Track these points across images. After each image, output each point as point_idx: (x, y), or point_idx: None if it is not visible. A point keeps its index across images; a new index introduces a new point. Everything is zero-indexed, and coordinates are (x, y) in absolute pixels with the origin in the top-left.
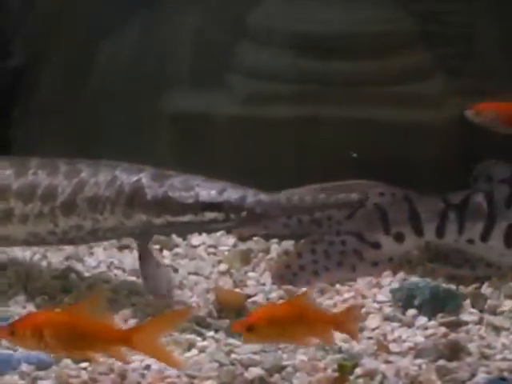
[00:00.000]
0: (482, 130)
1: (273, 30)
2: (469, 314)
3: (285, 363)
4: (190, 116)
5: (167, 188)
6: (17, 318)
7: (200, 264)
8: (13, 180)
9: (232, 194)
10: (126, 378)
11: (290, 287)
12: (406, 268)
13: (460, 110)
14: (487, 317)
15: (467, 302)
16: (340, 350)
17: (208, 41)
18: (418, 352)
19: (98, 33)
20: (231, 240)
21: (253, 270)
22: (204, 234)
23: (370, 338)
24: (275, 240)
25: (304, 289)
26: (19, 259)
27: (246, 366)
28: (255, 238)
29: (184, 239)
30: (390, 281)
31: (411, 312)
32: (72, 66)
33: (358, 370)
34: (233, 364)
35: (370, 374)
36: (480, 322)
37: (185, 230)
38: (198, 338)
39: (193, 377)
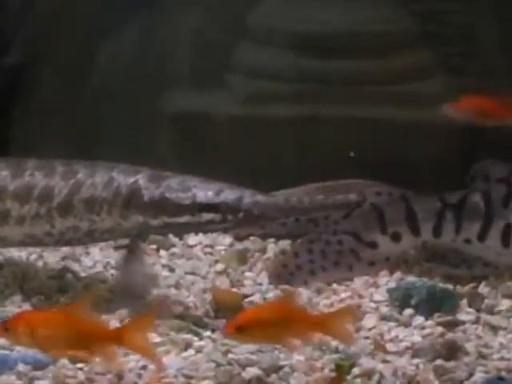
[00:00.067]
0: (482, 130)
1: (273, 29)
2: (466, 314)
3: (282, 363)
4: (190, 116)
5: (164, 189)
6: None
7: (197, 264)
8: (9, 181)
9: (229, 194)
10: (122, 379)
11: (286, 287)
12: (402, 267)
13: None
14: (484, 316)
15: (464, 301)
16: (337, 350)
17: (208, 41)
18: (415, 352)
19: (98, 32)
20: (228, 240)
21: (250, 270)
22: (200, 234)
23: (367, 337)
24: (272, 239)
25: (300, 288)
26: (15, 259)
27: (244, 366)
28: (252, 238)
29: (181, 239)
30: (387, 280)
31: (408, 312)
32: (72, 65)
33: (356, 370)
34: (230, 364)
35: (367, 374)
36: (477, 321)
37: (182, 231)
38: (195, 338)
39: (190, 377)
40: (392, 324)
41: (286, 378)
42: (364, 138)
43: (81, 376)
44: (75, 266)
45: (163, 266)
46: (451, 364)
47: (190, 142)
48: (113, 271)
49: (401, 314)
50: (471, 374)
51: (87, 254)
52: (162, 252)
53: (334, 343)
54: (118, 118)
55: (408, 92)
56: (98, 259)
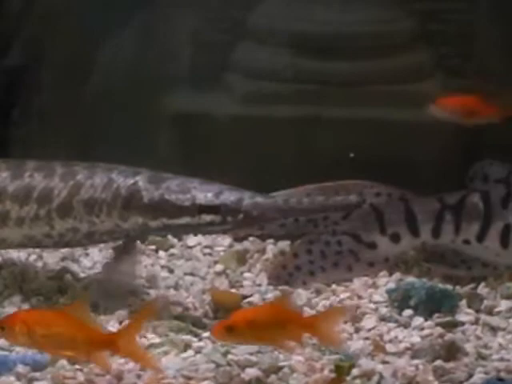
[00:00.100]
0: (482, 130)
1: (273, 30)
2: (465, 315)
3: (281, 364)
4: (189, 116)
5: (164, 191)
6: None
7: (196, 264)
8: (9, 182)
9: (229, 196)
10: (122, 380)
11: (286, 288)
12: (402, 268)
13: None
14: (483, 317)
15: (463, 302)
16: (336, 351)
17: (208, 41)
18: (414, 352)
19: (97, 33)
20: (227, 240)
21: (249, 271)
22: (200, 235)
23: (367, 338)
24: (271, 240)
25: (299, 289)
26: (14, 260)
27: (243, 367)
28: (251, 239)
29: (180, 240)
30: (386, 281)
31: (407, 312)
32: (71, 66)
33: (355, 371)
34: (229, 365)
35: (367, 375)
36: (476, 322)
37: (181, 233)
38: (194, 339)
39: (189, 378)
40: (391, 325)
41: (286, 379)
42: (363, 139)
43: (80, 377)
44: (74, 267)
45: (162, 266)
46: (451, 365)
47: (189, 142)
48: None
49: (400, 314)
50: (471, 375)
51: (86, 254)
52: (161, 253)
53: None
54: (117, 119)
55: (407, 92)
56: (97, 260)
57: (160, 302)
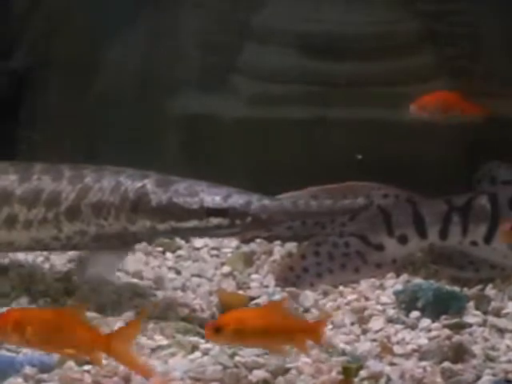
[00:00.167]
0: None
1: (279, 31)
2: (472, 316)
3: (289, 366)
4: (196, 118)
5: (172, 194)
6: None
7: (203, 266)
8: (17, 185)
9: (237, 199)
10: (129, 381)
11: (293, 289)
12: (409, 270)
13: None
14: (491, 319)
15: (471, 303)
16: (344, 353)
17: (214, 43)
18: (422, 354)
19: (104, 35)
20: (234, 242)
21: (256, 272)
22: None
23: (374, 340)
24: (278, 242)
25: (307, 291)
26: (22, 261)
27: (250, 369)
28: (258, 240)
29: (187, 241)
30: (394, 283)
31: (415, 314)
32: (79, 67)
33: (363, 373)
34: (237, 367)
35: (374, 377)
36: (484, 323)
37: (189, 236)
38: (202, 341)
39: (197, 379)
40: (399, 326)
41: (293, 381)
42: (369, 140)
43: (87, 379)
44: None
45: (169, 268)
46: (458, 366)
47: (196, 144)
48: (119, 273)
49: (407, 316)
50: (479, 377)
51: None
52: (168, 254)
53: (341, 345)
54: (124, 121)
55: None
56: None
57: (164, 302)
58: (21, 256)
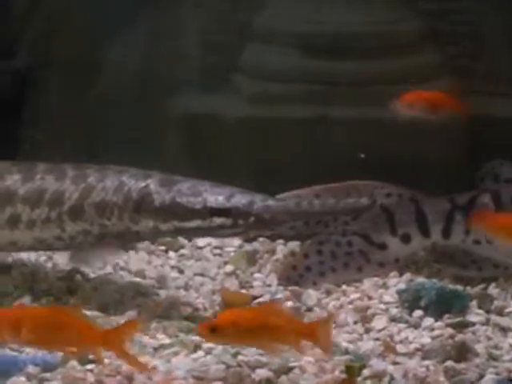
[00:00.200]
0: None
1: (280, 31)
2: (475, 315)
3: (292, 365)
4: (197, 117)
5: (175, 194)
6: None
7: (206, 265)
8: (20, 185)
9: (240, 199)
10: (132, 380)
11: (296, 288)
12: (412, 269)
13: (469, 109)
14: (494, 317)
15: (474, 302)
16: (347, 351)
17: (215, 42)
18: (425, 353)
19: (106, 34)
20: (237, 241)
21: (259, 271)
22: None
23: (377, 339)
24: (281, 241)
25: (310, 290)
26: (25, 260)
27: (253, 368)
28: (261, 239)
29: (190, 240)
30: (397, 282)
31: (418, 313)
32: (81, 67)
33: (366, 372)
34: (240, 366)
35: (378, 376)
36: (487, 322)
37: (192, 235)
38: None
39: (200, 378)
40: (402, 325)
41: (296, 380)
42: (371, 139)
43: (90, 378)
44: (84, 268)
45: (172, 267)
46: (462, 365)
47: (197, 144)
48: (122, 272)
49: (410, 315)
50: (482, 376)
51: None
52: (171, 253)
53: (344, 344)
54: (125, 120)
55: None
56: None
57: (167, 301)
58: (24, 255)
